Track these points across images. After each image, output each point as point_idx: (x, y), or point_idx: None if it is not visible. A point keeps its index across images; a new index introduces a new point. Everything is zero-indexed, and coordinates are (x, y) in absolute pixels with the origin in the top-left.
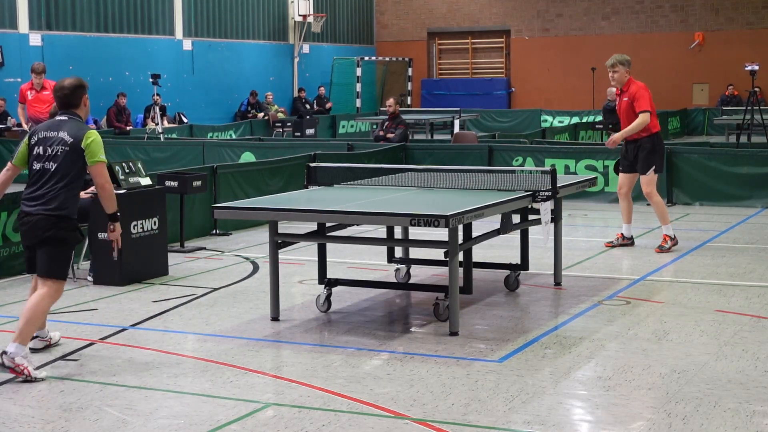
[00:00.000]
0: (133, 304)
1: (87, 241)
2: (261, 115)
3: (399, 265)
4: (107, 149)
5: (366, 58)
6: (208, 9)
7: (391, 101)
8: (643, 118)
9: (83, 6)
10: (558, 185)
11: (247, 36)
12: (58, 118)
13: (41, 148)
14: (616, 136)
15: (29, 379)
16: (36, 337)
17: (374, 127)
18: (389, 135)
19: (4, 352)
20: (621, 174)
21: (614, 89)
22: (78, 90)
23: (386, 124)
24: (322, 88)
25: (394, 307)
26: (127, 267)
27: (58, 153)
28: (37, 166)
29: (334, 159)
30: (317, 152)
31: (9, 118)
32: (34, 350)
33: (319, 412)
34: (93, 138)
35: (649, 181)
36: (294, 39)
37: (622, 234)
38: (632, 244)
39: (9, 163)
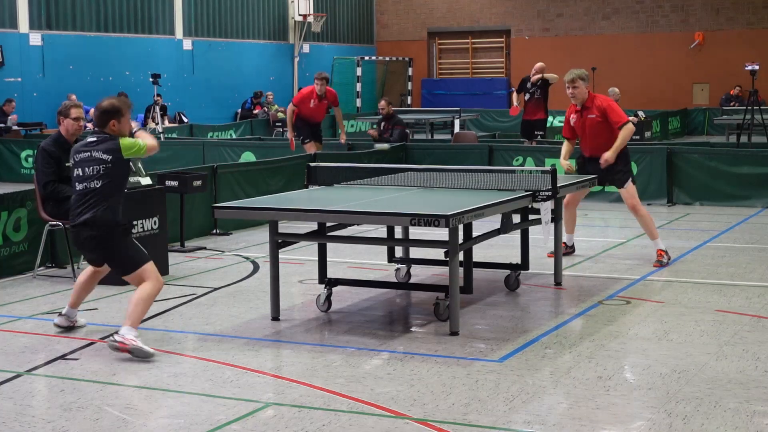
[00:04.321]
0: None
1: None
2: (260, 110)
3: (399, 265)
4: None
5: (366, 58)
6: (208, 9)
7: (383, 103)
8: (629, 128)
9: (83, 6)
10: (558, 185)
11: (247, 36)
12: (89, 138)
13: (79, 170)
14: (609, 155)
15: (139, 353)
16: (62, 315)
17: (374, 126)
18: (386, 136)
19: (116, 332)
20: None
21: (617, 89)
22: (104, 115)
23: (383, 125)
24: None
25: (395, 306)
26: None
27: (101, 171)
28: (79, 186)
29: (335, 159)
30: (317, 152)
31: (9, 117)
32: (59, 327)
33: (319, 412)
34: (123, 139)
35: (632, 193)
36: (294, 39)
37: (564, 243)
38: (573, 251)
39: None
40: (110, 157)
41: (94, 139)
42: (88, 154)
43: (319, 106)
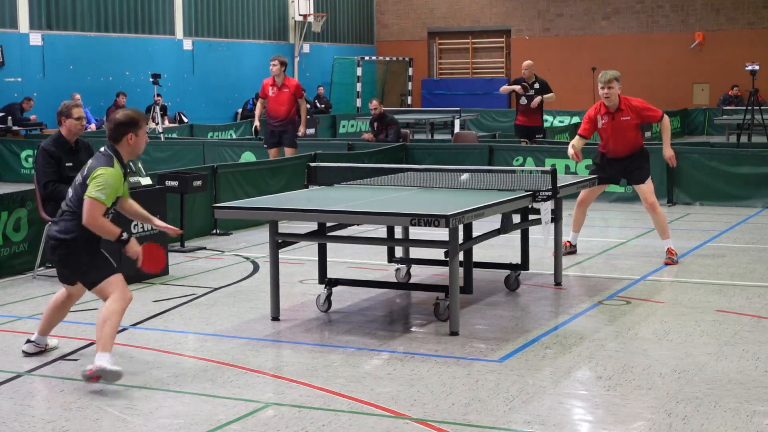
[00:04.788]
0: (133, 304)
1: None
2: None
3: (399, 265)
4: None
5: (366, 58)
6: (208, 9)
7: (374, 103)
8: (667, 120)
9: (83, 6)
10: (558, 185)
11: (247, 36)
12: (101, 149)
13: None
14: (671, 152)
15: (108, 376)
16: (31, 341)
17: (367, 129)
18: (381, 138)
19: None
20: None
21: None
22: (119, 127)
23: (376, 125)
24: (321, 88)
25: (395, 306)
26: (127, 267)
27: (77, 182)
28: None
29: (335, 159)
30: (317, 152)
31: (9, 117)
32: (27, 354)
33: (319, 412)
34: (98, 174)
35: (652, 190)
36: (294, 39)
37: (569, 242)
38: (575, 251)
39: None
40: (85, 174)
41: (102, 150)
42: (89, 161)
43: (278, 96)
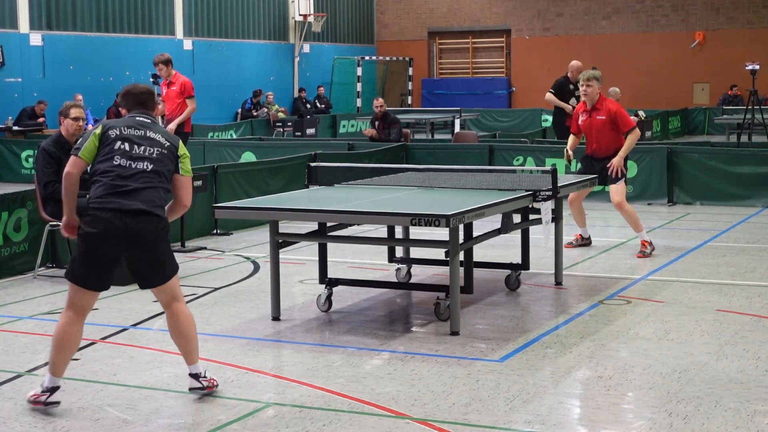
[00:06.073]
0: (133, 304)
1: None
2: (262, 111)
3: (400, 265)
4: None
5: (366, 58)
6: (208, 9)
7: (380, 101)
8: (636, 134)
9: (83, 6)
10: (558, 185)
11: (247, 36)
12: (140, 118)
13: (126, 144)
14: (617, 161)
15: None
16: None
17: (368, 126)
18: (383, 136)
19: (195, 376)
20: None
21: (617, 89)
22: (151, 96)
23: (377, 124)
24: (321, 88)
25: (395, 306)
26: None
27: (154, 154)
28: (123, 162)
29: (335, 159)
30: (318, 152)
31: (9, 117)
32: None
33: (320, 412)
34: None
35: (621, 191)
36: (294, 39)
37: (580, 235)
38: (590, 243)
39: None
40: (169, 144)
41: (148, 120)
42: (141, 132)
43: (167, 95)
